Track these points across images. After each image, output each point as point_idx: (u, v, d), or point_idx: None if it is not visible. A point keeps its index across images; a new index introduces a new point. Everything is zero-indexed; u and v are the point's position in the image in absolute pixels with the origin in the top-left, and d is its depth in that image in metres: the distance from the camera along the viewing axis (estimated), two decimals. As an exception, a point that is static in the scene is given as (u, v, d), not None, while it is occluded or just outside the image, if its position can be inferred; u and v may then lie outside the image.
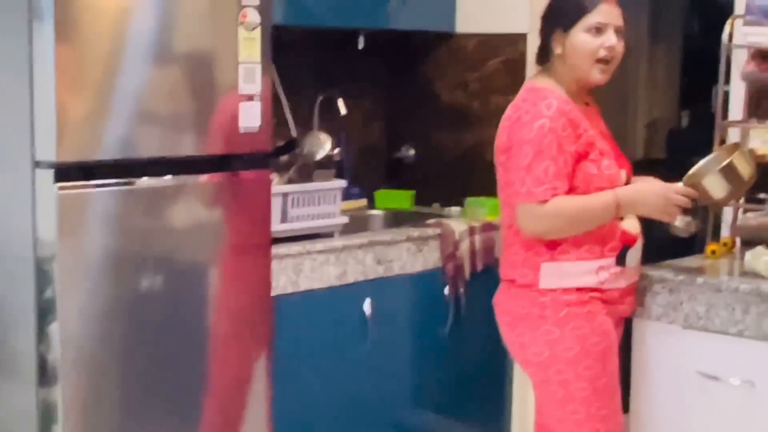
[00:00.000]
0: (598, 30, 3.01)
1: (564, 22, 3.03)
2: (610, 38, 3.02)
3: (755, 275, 3.18)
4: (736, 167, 3.09)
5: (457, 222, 4.04)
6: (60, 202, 2.79)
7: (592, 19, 3.00)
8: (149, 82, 3.00)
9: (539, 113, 2.96)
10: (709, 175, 3.09)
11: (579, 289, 3.02)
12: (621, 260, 3.08)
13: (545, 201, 2.94)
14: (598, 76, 3.04)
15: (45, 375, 2.84)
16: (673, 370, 3.25)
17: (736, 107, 3.68)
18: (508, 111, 3.10)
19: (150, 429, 3.08)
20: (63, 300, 2.82)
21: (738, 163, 3.10)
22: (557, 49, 3.06)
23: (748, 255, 3.26)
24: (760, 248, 3.26)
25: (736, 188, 3.14)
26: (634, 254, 3.13)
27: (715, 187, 3.08)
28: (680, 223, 3.13)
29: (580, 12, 3.01)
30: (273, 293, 3.35)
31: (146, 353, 3.04)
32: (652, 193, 3.05)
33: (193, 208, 3.14)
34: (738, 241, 3.53)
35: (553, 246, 3.01)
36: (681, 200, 3.02)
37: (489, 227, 4.05)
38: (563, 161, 2.95)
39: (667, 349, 3.26)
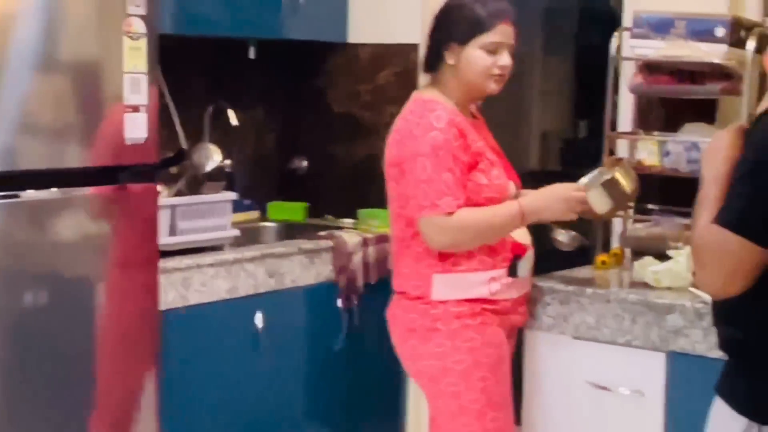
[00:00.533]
0: (494, 49, 3.04)
1: (460, 36, 3.03)
2: (504, 58, 3.04)
3: (644, 285, 3.23)
4: (619, 182, 3.15)
5: (350, 234, 4.03)
6: None
7: (489, 38, 3.02)
8: (32, 92, 2.96)
9: (430, 125, 2.97)
10: (592, 189, 3.13)
11: (470, 301, 3.03)
12: (512, 271, 3.10)
13: (451, 213, 2.95)
14: (492, 86, 3.06)
15: None
16: (564, 380, 3.28)
17: (626, 119, 3.75)
18: (397, 124, 3.09)
19: None
20: None
21: (620, 177, 3.15)
22: (450, 60, 3.06)
23: (636, 265, 3.32)
24: (648, 258, 3.32)
25: (619, 202, 3.20)
26: (525, 265, 3.15)
27: (598, 201, 3.12)
28: (564, 237, 3.19)
29: (479, 30, 3.02)
30: (161, 308, 3.29)
31: (30, 369, 2.98)
32: (554, 197, 3.07)
33: (78, 221, 3.09)
34: (627, 251, 3.58)
35: (444, 258, 3.02)
36: (581, 196, 3.06)
37: (382, 239, 4.03)
38: (459, 171, 2.96)
39: (558, 360, 3.29)
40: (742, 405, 2.15)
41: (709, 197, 2.13)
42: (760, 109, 2.20)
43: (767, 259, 2.03)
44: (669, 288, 3.19)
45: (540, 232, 3.20)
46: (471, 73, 3.04)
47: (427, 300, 3.03)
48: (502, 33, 3.03)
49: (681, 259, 3.23)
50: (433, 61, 3.13)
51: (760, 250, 2.02)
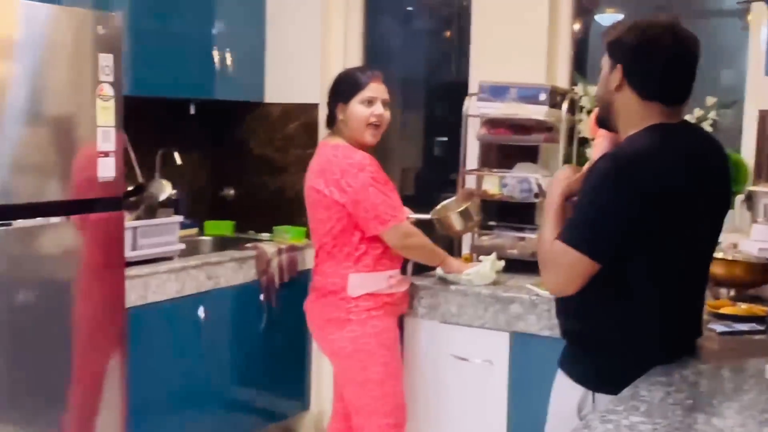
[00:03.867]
0: (370, 102, 2.92)
1: (345, 96, 2.93)
2: (379, 108, 2.94)
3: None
4: (470, 211, 3.13)
5: (269, 245, 3.85)
6: None
7: (364, 94, 2.91)
8: (22, 141, 2.72)
9: (360, 162, 2.83)
10: (451, 213, 3.14)
11: (375, 295, 2.91)
12: (403, 270, 3.02)
13: (404, 220, 2.91)
14: (369, 138, 2.94)
15: None
16: (433, 354, 3.18)
17: (470, 159, 3.65)
18: (324, 167, 2.90)
19: (27, 413, 2.81)
20: None
21: (471, 208, 3.14)
22: (340, 116, 2.94)
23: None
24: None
25: (469, 224, 3.18)
26: (409, 266, 3.10)
27: (456, 222, 3.13)
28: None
29: (357, 88, 2.92)
30: (126, 305, 3.09)
31: (24, 355, 2.77)
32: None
33: (60, 241, 2.87)
34: (476, 256, 3.49)
35: (357, 260, 2.89)
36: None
37: (293, 248, 3.88)
38: (393, 192, 2.92)
39: (430, 339, 3.19)
40: (579, 377, 2.07)
41: (549, 218, 2.06)
42: (593, 158, 2.13)
43: (596, 269, 1.93)
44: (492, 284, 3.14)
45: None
46: (355, 122, 2.92)
47: (343, 296, 2.89)
48: (375, 89, 2.94)
49: (487, 263, 3.17)
50: (330, 119, 3.01)
51: (591, 262, 1.93)
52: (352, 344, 2.90)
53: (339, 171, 2.84)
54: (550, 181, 2.18)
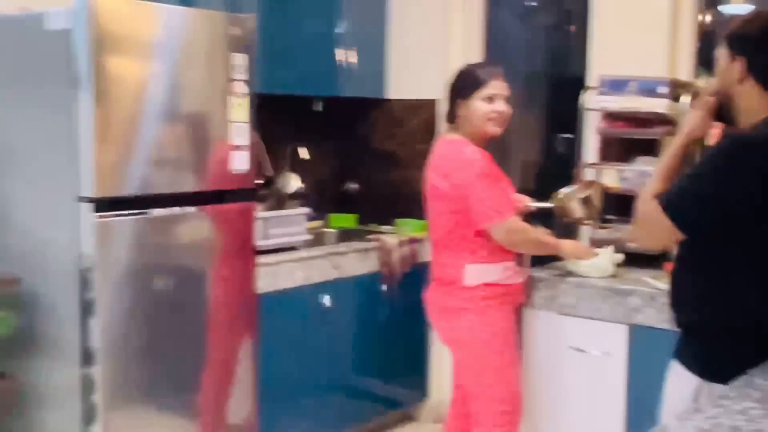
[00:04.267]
0: (490, 99, 2.96)
1: (464, 94, 2.97)
2: (500, 105, 2.97)
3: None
4: (591, 198, 3.17)
5: (391, 237, 3.97)
6: (97, 227, 2.70)
7: (485, 91, 2.95)
8: (162, 136, 2.91)
9: (470, 158, 2.89)
10: (572, 200, 3.19)
11: (491, 285, 2.95)
12: (519, 262, 3.06)
13: (509, 217, 2.91)
14: (492, 129, 2.98)
15: (86, 356, 2.75)
16: (551, 345, 3.21)
17: (588, 152, 3.66)
18: (438, 162, 2.98)
19: (164, 395, 3.00)
20: (100, 300, 2.74)
21: (593, 195, 3.18)
22: (460, 112, 3.00)
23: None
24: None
25: (590, 212, 3.22)
26: (526, 258, 3.13)
27: (577, 209, 3.19)
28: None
29: (477, 86, 2.96)
30: (257, 292, 3.26)
31: (161, 339, 2.95)
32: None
33: (196, 230, 3.05)
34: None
35: (473, 252, 2.95)
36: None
37: (414, 240, 3.99)
38: (502, 188, 2.95)
39: (547, 330, 3.22)
40: (694, 367, 2.07)
41: (662, 165, 2.11)
42: (718, 134, 2.15)
43: (681, 239, 2.01)
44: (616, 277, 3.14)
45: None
46: (476, 119, 2.96)
47: (460, 286, 2.95)
48: (496, 87, 2.97)
49: (605, 256, 3.17)
50: (450, 115, 3.06)
51: (678, 232, 1.98)
52: (469, 333, 2.97)
53: (451, 165, 2.92)
54: (685, 117, 2.19)
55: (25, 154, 2.84)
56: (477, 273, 2.95)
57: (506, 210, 2.92)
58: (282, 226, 3.53)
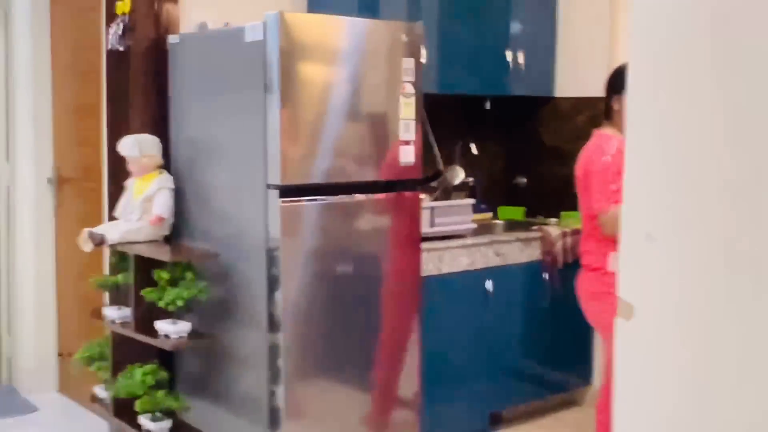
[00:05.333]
0: None
1: (620, 89, 3.08)
2: None
3: None
4: None
5: (554, 228, 4.13)
6: (283, 212, 2.99)
7: None
8: (344, 132, 3.18)
9: (603, 152, 3.06)
10: None
11: None
12: None
13: (607, 209, 3.03)
14: None
15: (273, 325, 3.03)
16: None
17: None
18: (584, 152, 3.20)
19: (341, 362, 3.24)
20: (285, 276, 3.01)
21: None
22: (616, 106, 3.14)
23: None
24: None
25: None
26: None
27: None
28: None
29: None
30: (423, 274, 3.46)
31: (339, 313, 3.20)
32: None
33: (371, 216, 3.29)
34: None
35: (615, 239, 3.06)
36: None
37: (577, 232, 4.08)
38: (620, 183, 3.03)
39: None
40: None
41: None
42: None
43: None
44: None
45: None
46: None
47: (604, 271, 3.10)
48: None
49: None
50: (607, 110, 3.22)
51: None
52: (612, 316, 3.08)
53: (590, 158, 3.09)
54: None
55: (225, 149, 3.21)
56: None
57: (606, 203, 2.98)
58: (448, 215, 3.76)
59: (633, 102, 1.13)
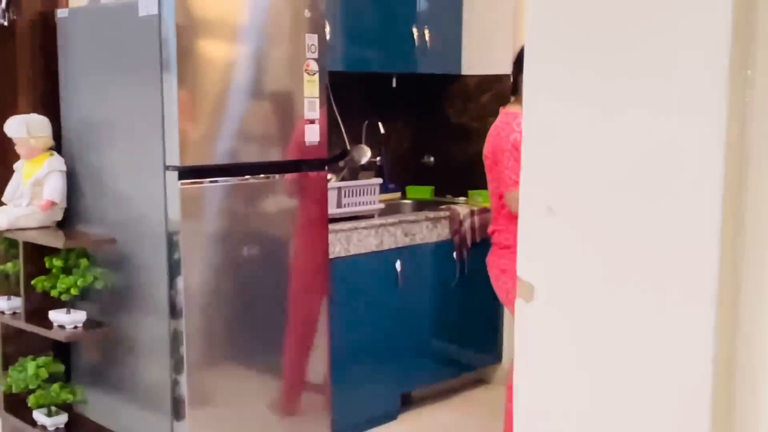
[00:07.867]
0: None
1: None
2: None
3: None
4: None
5: (462, 207, 4.13)
6: (183, 194, 2.90)
7: None
8: (247, 111, 3.11)
9: (511, 129, 3.05)
10: None
11: None
12: None
13: (515, 187, 3.02)
14: None
15: (174, 312, 2.96)
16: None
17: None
18: (492, 130, 3.19)
19: (247, 348, 3.18)
20: (186, 261, 2.93)
21: None
22: (522, 84, 3.13)
23: None
24: None
25: None
26: None
27: None
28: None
29: None
30: (330, 257, 3.43)
31: (243, 298, 3.13)
32: None
33: (275, 197, 3.23)
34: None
35: None
36: None
37: (485, 211, 4.12)
38: None
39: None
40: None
41: None
42: None
43: None
44: None
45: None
46: None
47: (514, 249, 3.09)
48: None
49: None
50: (514, 87, 3.22)
51: None
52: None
53: (498, 135, 3.08)
54: None
55: (121, 129, 3.09)
56: None
57: (518, 180, 2.99)
58: (355, 195, 3.74)
59: (529, 72, 1.09)
